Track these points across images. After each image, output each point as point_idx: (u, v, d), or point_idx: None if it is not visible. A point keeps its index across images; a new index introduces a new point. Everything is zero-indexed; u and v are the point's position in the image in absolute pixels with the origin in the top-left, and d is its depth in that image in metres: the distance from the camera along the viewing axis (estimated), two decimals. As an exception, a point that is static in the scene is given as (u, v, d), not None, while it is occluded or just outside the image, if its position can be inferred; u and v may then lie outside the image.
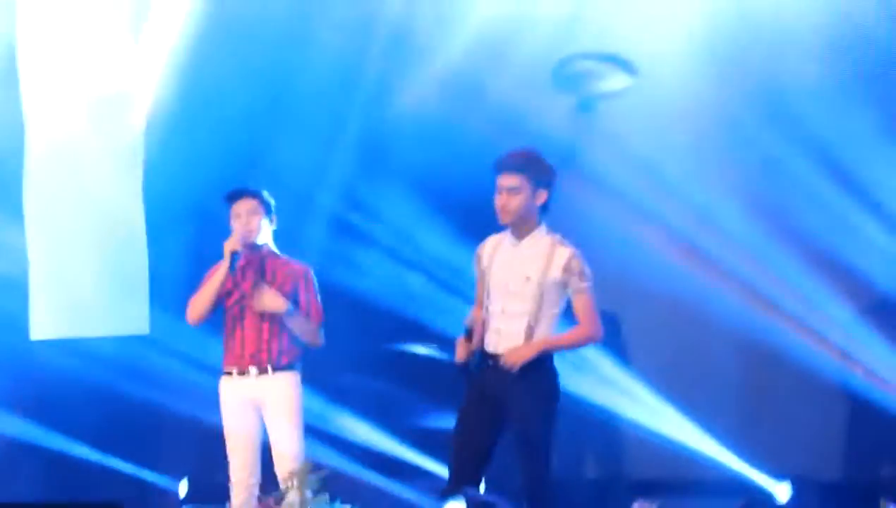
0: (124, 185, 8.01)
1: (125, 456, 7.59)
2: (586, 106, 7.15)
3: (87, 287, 8.02)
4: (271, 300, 6.36)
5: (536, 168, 5.92)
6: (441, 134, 7.28)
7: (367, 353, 7.31)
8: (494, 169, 5.96)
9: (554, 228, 6.01)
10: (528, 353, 5.84)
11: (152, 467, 7.58)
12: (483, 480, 5.90)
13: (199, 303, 6.40)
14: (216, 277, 6.38)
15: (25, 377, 7.84)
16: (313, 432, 6.67)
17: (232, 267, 6.34)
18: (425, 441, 6.95)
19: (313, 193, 7.47)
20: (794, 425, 6.61)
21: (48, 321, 8.07)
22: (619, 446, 6.88)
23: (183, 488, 7.46)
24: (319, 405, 7.04)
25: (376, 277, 7.26)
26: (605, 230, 6.88)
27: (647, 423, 6.69)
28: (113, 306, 7.96)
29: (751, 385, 6.70)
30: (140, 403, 7.70)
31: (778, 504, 6.29)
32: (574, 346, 6.01)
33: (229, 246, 6.37)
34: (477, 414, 5.92)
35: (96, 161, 8.07)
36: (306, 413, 6.46)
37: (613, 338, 6.86)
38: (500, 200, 5.93)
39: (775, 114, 6.76)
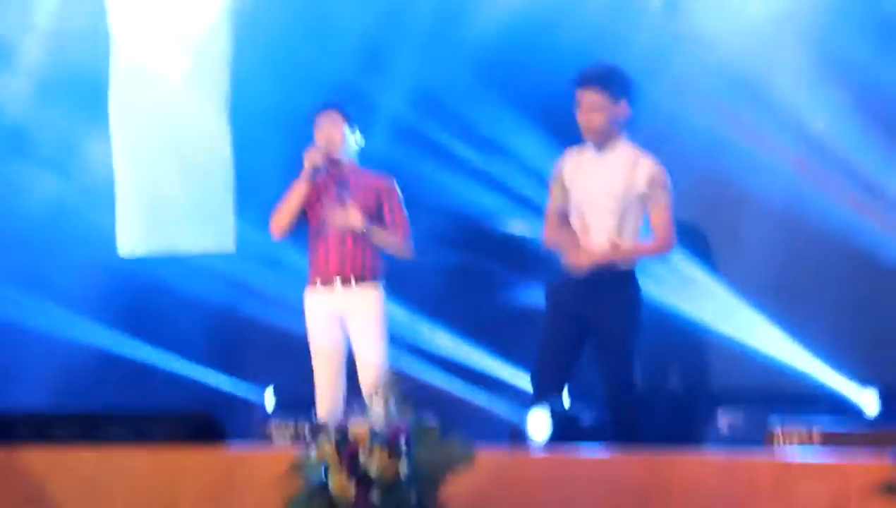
0: (210, 100, 8.03)
1: (212, 367, 7.68)
2: (671, 5, 6.99)
3: (173, 203, 8.08)
4: (348, 217, 6.35)
5: (617, 82, 5.89)
6: (526, 39, 7.16)
7: (453, 264, 7.29)
8: (574, 83, 5.92)
9: (642, 134, 5.93)
10: (599, 259, 5.83)
11: (239, 378, 7.66)
12: (566, 392, 5.92)
13: (282, 216, 6.43)
14: (298, 188, 6.39)
15: (114, 291, 7.94)
16: (398, 343, 6.71)
17: (312, 177, 6.35)
18: (510, 353, 6.94)
19: (400, 107, 7.40)
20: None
21: (135, 237, 8.15)
22: (704, 356, 6.84)
23: (269, 397, 7.53)
24: (405, 315, 7.05)
25: (460, 190, 7.21)
26: (694, 135, 6.74)
27: (736, 334, 6.62)
28: (199, 223, 8.02)
29: (850, 296, 6.54)
30: (226, 316, 7.78)
31: (866, 416, 6.23)
32: (647, 256, 5.98)
33: (310, 156, 6.37)
34: (560, 327, 5.95)
35: (182, 75, 8.09)
36: (392, 323, 6.50)
37: (703, 246, 6.75)
38: (582, 117, 5.92)
39: (875, 15, 6.56)
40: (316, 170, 6.38)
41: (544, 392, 5.83)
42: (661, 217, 5.89)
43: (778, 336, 6.55)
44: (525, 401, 5.80)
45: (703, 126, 6.72)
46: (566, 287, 5.95)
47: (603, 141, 5.94)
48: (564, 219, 6.05)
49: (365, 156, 6.60)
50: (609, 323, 5.88)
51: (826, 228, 6.50)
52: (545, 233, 6.10)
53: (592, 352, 5.98)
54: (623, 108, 5.91)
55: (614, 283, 5.89)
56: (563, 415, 5.52)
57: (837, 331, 6.46)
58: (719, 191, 6.79)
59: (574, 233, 5.98)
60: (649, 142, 6.05)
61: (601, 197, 5.93)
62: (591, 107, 5.88)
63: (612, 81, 5.89)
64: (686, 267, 6.64)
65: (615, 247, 5.87)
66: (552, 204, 6.11)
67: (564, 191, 6.06)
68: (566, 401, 5.84)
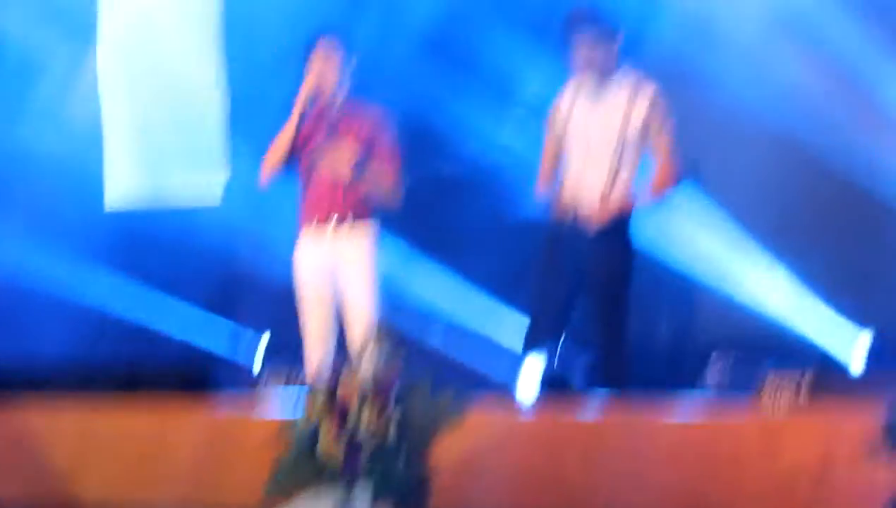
0: (200, 51, 7.95)
1: (206, 310, 7.68)
2: None
3: (161, 156, 8.04)
4: (336, 163, 6.24)
5: (609, 17, 5.86)
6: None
7: (453, 206, 7.26)
8: (568, 28, 5.87)
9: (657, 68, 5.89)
10: (610, 213, 5.81)
11: (232, 321, 7.67)
12: (561, 339, 5.92)
13: (273, 155, 6.26)
14: (287, 127, 6.24)
15: (103, 244, 7.91)
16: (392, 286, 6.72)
17: (303, 114, 6.20)
18: (507, 296, 6.93)
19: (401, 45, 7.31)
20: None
21: (122, 191, 8.11)
22: (698, 301, 6.83)
23: (264, 342, 7.54)
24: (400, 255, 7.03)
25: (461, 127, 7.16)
26: (692, 64, 6.67)
27: (731, 276, 6.61)
28: (188, 176, 7.97)
29: (855, 235, 6.50)
30: (219, 266, 7.75)
31: (850, 374, 6.21)
32: (657, 195, 5.92)
33: (303, 91, 6.19)
34: (556, 274, 5.93)
35: (172, 24, 8.00)
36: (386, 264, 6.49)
37: (698, 182, 6.71)
38: (582, 56, 5.87)
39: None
40: (306, 105, 6.22)
41: (540, 337, 5.84)
42: (665, 143, 5.84)
43: (774, 277, 6.53)
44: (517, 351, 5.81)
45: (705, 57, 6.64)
46: (561, 234, 5.93)
47: (603, 75, 5.89)
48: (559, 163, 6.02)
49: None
50: (602, 271, 5.87)
51: (826, 164, 6.43)
52: (541, 182, 6.06)
53: (586, 296, 5.98)
54: (619, 40, 5.88)
55: (609, 232, 5.86)
56: (555, 361, 5.52)
57: (834, 272, 6.43)
58: (714, 125, 6.74)
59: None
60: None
61: (600, 133, 5.88)
62: (592, 46, 5.84)
63: (604, 17, 5.86)
64: (681, 208, 6.60)
65: (627, 201, 5.84)
66: (548, 149, 6.05)
67: (559, 136, 6.01)
68: (558, 349, 5.85)
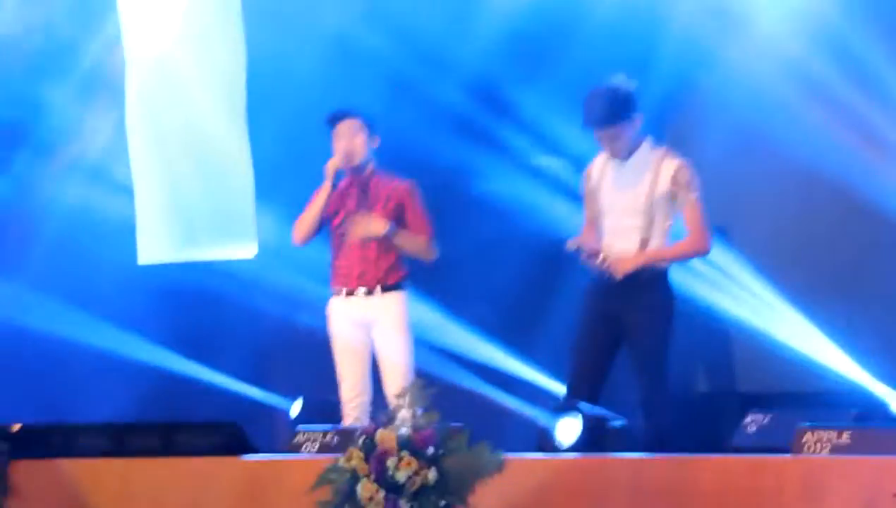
0: (227, 108, 8.03)
1: (237, 376, 7.67)
2: None
3: (193, 209, 8.09)
4: (370, 226, 6.34)
5: (624, 106, 5.96)
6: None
7: (490, 266, 7.27)
8: (587, 126, 6.00)
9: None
10: (635, 262, 5.91)
11: (264, 387, 7.66)
12: (599, 396, 5.95)
13: (304, 224, 6.45)
14: (319, 197, 6.41)
15: (136, 298, 7.94)
16: (429, 346, 6.71)
17: (334, 185, 6.37)
18: (544, 358, 6.91)
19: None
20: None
21: (155, 245, 8.16)
22: (732, 357, 6.82)
23: (296, 408, 7.53)
24: (436, 318, 7.03)
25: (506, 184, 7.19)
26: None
27: (765, 331, 6.59)
28: (219, 230, 8.02)
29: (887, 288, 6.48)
30: (251, 324, 7.78)
31: (894, 413, 6.20)
32: (682, 258, 6.08)
33: (331, 166, 6.39)
34: (594, 332, 6.03)
35: (198, 83, 8.09)
36: (423, 327, 6.49)
37: (734, 237, 6.71)
38: (606, 148, 6.03)
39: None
40: (338, 176, 6.39)
41: (577, 395, 5.89)
42: (691, 215, 5.95)
43: (810, 332, 6.51)
44: (553, 405, 5.79)
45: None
46: (601, 289, 6.02)
47: (628, 153, 6.05)
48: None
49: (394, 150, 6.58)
50: (642, 327, 5.95)
51: (868, 213, 6.42)
52: (580, 238, 6.10)
53: (626, 356, 6.01)
54: (638, 121, 6.02)
55: (647, 285, 5.95)
56: (593, 420, 5.52)
57: (875, 328, 6.41)
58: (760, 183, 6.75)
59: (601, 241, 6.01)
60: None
61: (628, 199, 6.00)
62: (612, 139, 6.00)
63: (620, 111, 5.97)
64: (719, 262, 6.61)
65: (652, 252, 5.94)
66: (587, 214, 6.19)
67: (594, 199, 6.12)
68: (596, 406, 5.85)
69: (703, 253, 6.06)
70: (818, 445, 4.73)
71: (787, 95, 6.55)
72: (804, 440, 4.76)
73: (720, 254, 6.52)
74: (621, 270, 5.93)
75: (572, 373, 6.07)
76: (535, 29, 7.15)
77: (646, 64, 6.70)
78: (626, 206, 5.99)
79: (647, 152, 6.03)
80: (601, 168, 6.12)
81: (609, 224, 6.05)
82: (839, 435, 4.72)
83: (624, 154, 6.02)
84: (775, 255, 6.68)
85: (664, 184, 5.95)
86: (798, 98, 6.52)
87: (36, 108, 8.17)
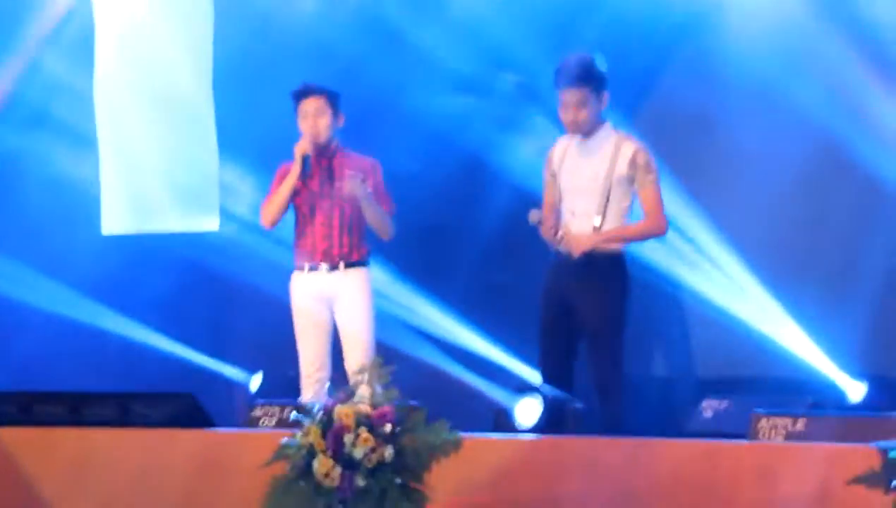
0: (195, 79, 7.99)
1: (197, 348, 7.66)
2: None
3: (156, 182, 8.06)
4: (352, 186, 6.31)
5: (597, 76, 6.01)
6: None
7: (456, 242, 7.27)
8: (555, 82, 6.04)
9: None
10: (592, 241, 5.94)
11: (224, 360, 7.65)
12: (571, 378, 6.01)
13: (272, 208, 6.42)
14: (288, 181, 6.36)
15: (99, 270, 7.90)
16: (392, 322, 6.70)
17: (304, 170, 6.33)
18: (506, 335, 6.92)
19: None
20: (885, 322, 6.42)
21: (119, 216, 8.12)
22: (690, 340, 6.85)
23: (255, 382, 7.52)
24: (400, 292, 7.03)
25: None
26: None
27: (726, 311, 6.63)
28: (183, 203, 7.99)
29: (852, 275, 6.50)
30: (211, 297, 7.76)
31: (850, 402, 6.25)
32: (638, 238, 6.12)
33: (300, 149, 6.35)
34: (555, 314, 6.06)
35: (166, 52, 8.04)
36: (386, 301, 6.49)
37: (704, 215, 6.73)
38: (568, 115, 6.04)
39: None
40: (306, 159, 6.36)
41: (550, 379, 5.95)
42: (648, 198, 6.00)
43: (774, 314, 6.54)
44: (514, 384, 5.81)
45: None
46: (558, 271, 6.05)
47: (588, 132, 6.06)
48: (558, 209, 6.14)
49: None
50: (597, 309, 5.97)
51: (843, 196, 6.45)
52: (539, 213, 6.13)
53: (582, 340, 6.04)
54: (604, 100, 6.06)
55: (602, 268, 5.98)
56: (553, 402, 5.53)
57: (834, 313, 6.44)
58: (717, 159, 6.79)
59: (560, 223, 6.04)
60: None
61: (585, 181, 6.03)
62: (577, 104, 6.00)
63: (592, 77, 6.02)
64: (679, 240, 6.65)
65: (609, 231, 5.97)
66: (546, 195, 6.20)
67: (555, 180, 6.15)
68: (561, 389, 5.89)
69: (659, 234, 6.13)
70: (773, 431, 4.77)
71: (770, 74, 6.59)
72: (759, 426, 4.80)
73: (686, 231, 6.56)
74: (578, 248, 5.96)
75: (542, 357, 6.10)
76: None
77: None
78: (585, 187, 6.03)
79: (607, 134, 6.07)
80: (562, 150, 6.15)
81: (567, 204, 6.07)
82: (794, 423, 4.76)
83: (585, 129, 6.03)
84: (745, 234, 6.71)
85: (622, 166, 5.99)
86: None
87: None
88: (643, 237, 6.12)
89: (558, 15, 7.07)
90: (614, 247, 6.01)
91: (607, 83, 6.03)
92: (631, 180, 6.00)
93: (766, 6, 6.73)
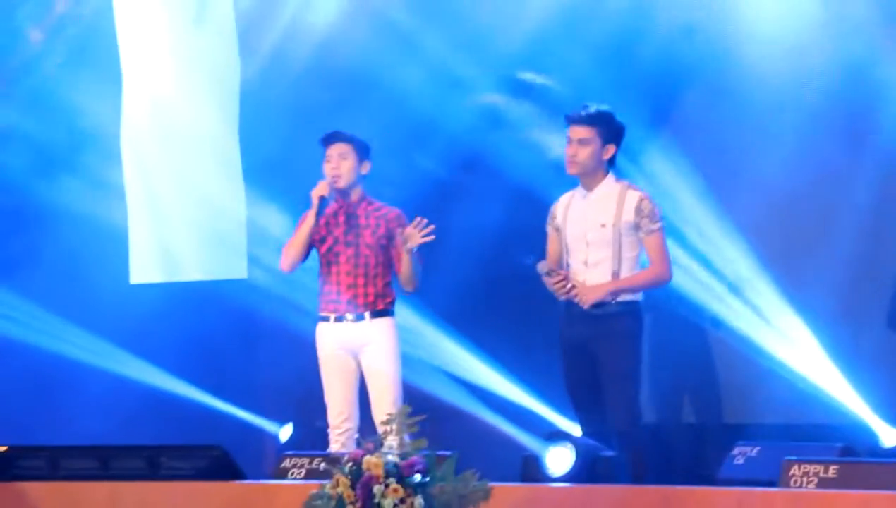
0: (222, 127, 8.03)
1: (225, 399, 7.65)
2: None
3: (185, 232, 8.08)
4: (414, 240, 6.30)
5: (607, 123, 6.09)
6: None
7: (484, 291, 7.26)
8: (566, 121, 6.12)
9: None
10: (602, 290, 5.99)
11: (253, 411, 7.64)
12: (603, 424, 6.03)
13: (291, 251, 6.45)
14: (306, 224, 6.41)
15: (127, 318, 7.91)
16: (420, 367, 6.68)
17: (319, 212, 6.36)
18: (533, 380, 6.90)
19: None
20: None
21: (147, 265, 8.15)
22: (720, 387, 6.82)
23: (285, 433, 7.51)
24: (430, 341, 7.02)
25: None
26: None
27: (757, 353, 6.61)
28: (211, 251, 8.02)
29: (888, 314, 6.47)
30: (241, 347, 7.76)
31: (883, 447, 6.20)
32: (645, 286, 6.14)
33: (316, 192, 6.38)
34: (573, 362, 6.10)
35: (193, 97, 8.08)
36: (416, 349, 6.47)
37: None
38: (569, 150, 6.09)
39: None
40: (323, 202, 6.38)
41: (587, 429, 6.01)
42: (654, 246, 6.07)
43: (804, 355, 6.50)
44: (544, 432, 5.78)
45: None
46: (571, 318, 6.10)
47: (588, 178, 6.13)
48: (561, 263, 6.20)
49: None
50: (612, 355, 6.02)
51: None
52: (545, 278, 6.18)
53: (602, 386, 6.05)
54: (609, 152, 6.12)
55: (616, 314, 6.03)
56: (584, 450, 5.51)
57: (877, 354, 6.39)
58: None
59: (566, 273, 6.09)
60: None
61: (593, 231, 6.09)
62: (579, 140, 6.08)
63: (602, 122, 6.10)
64: (710, 278, 6.64)
65: (617, 281, 6.02)
66: (550, 249, 6.26)
67: (559, 234, 6.20)
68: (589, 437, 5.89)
69: (664, 281, 6.17)
70: (805, 479, 4.74)
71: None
72: (791, 473, 4.77)
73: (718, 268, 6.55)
74: (589, 299, 6.00)
75: (574, 408, 6.15)
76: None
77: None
78: (594, 237, 6.08)
79: (610, 184, 6.13)
80: (566, 204, 6.22)
81: (578, 257, 6.12)
82: (826, 469, 4.73)
83: (583, 169, 6.08)
84: (779, 271, 6.68)
85: (628, 214, 6.06)
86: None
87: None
88: (650, 285, 6.16)
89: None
90: (628, 296, 6.06)
91: (618, 137, 6.10)
92: (637, 227, 6.06)
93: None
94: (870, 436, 6.29)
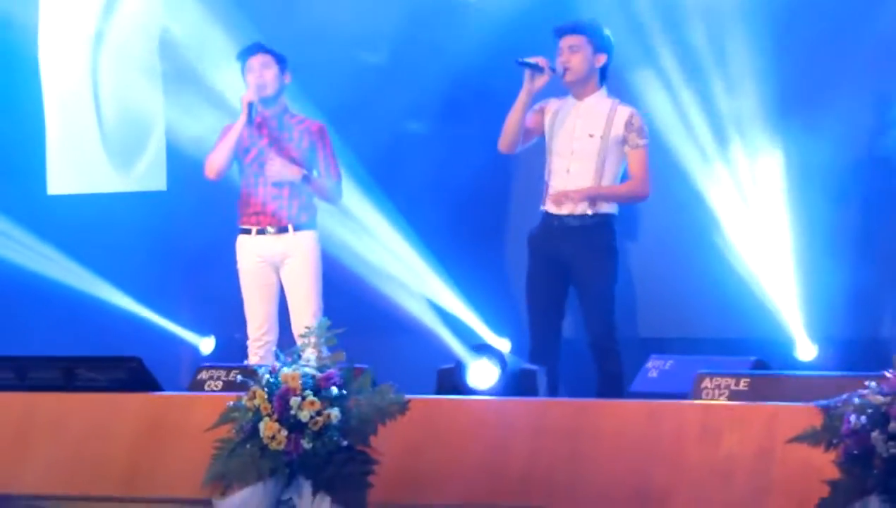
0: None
1: (146, 308, 7.61)
2: None
3: (102, 142, 8.00)
4: (285, 169, 6.32)
5: (596, 31, 6.16)
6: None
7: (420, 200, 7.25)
8: (555, 34, 6.17)
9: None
10: (580, 194, 6.04)
11: (174, 321, 7.61)
12: (559, 341, 6.16)
13: (218, 158, 6.41)
14: (234, 131, 6.37)
15: (46, 229, 7.83)
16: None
17: (250, 118, 6.32)
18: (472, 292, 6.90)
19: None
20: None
21: (64, 176, 8.07)
22: (636, 301, 6.89)
23: (207, 345, 7.50)
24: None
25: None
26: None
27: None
28: (130, 162, 7.94)
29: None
30: (159, 258, 7.72)
31: (799, 361, 6.30)
32: (623, 199, 6.22)
33: (246, 98, 6.34)
34: (544, 278, 6.18)
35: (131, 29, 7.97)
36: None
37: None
38: (562, 59, 6.14)
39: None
40: (251, 108, 6.34)
41: (539, 344, 6.11)
42: (637, 161, 6.13)
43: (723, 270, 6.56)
44: (471, 345, 5.79)
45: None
46: (546, 234, 6.18)
47: (580, 88, 6.17)
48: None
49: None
50: (591, 271, 6.10)
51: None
52: (503, 139, 6.22)
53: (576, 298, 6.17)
54: (600, 60, 6.17)
55: (594, 228, 6.10)
56: (510, 365, 5.53)
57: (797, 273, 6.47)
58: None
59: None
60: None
61: (582, 140, 6.13)
62: (571, 48, 6.13)
63: (590, 30, 6.16)
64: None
65: (596, 187, 6.09)
66: (518, 109, 6.16)
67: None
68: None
69: (642, 198, 6.24)
70: (717, 391, 4.81)
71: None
72: (703, 386, 4.84)
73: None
74: (569, 198, 6.02)
75: (531, 323, 6.20)
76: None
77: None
78: (580, 148, 6.13)
79: (601, 97, 6.19)
80: (554, 111, 6.24)
81: (561, 164, 6.15)
82: (737, 382, 4.81)
83: (576, 76, 6.12)
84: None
85: (618, 127, 6.11)
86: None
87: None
88: (628, 199, 6.24)
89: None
90: (606, 208, 6.12)
91: (607, 48, 6.15)
92: (624, 141, 6.11)
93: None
94: (788, 350, 6.38)
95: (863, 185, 6.54)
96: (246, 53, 6.44)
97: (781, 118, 6.49)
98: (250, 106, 6.34)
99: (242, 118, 6.35)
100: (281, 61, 6.44)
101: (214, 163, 6.42)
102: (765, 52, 6.49)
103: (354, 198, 6.73)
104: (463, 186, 7.11)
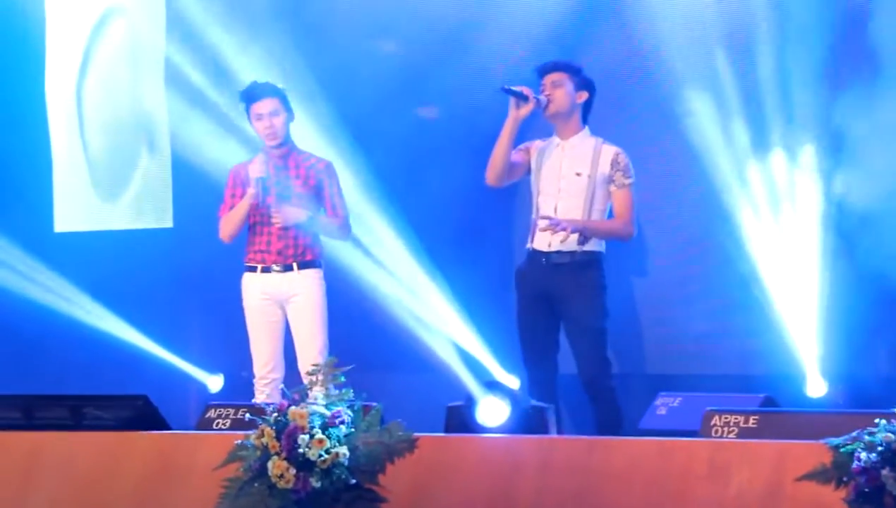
0: (148, 83, 7.95)
1: (156, 345, 7.60)
2: None
3: (110, 179, 8.02)
4: (290, 213, 6.31)
5: (576, 71, 6.23)
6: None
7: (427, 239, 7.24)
8: (537, 74, 6.23)
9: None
10: (571, 223, 6.06)
11: (183, 358, 7.60)
12: (554, 378, 6.18)
13: (231, 226, 6.41)
14: (245, 201, 6.32)
15: (54, 264, 7.82)
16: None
17: (262, 199, 6.28)
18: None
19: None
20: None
21: (71, 214, 8.08)
22: (644, 338, 6.88)
23: (215, 383, 7.49)
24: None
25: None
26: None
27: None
28: (137, 200, 7.96)
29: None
30: (168, 296, 7.71)
31: (808, 396, 6.27)
32: (608, 235, 6.24)
33: (255, 172, 6.33)
34: (535, 315, 6.20)
35: (119, 58, 8.00)
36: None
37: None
38: (545, 93, 6.20)
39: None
40: (262, 182, 6.32)
41: (535, 381, 6.14)
42: (622, 201, 6.17)
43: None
44: (481, 382, 5.77)
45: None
46: (535, 271, 6.19)
47: (564, 126, 6.23)
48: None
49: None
50: (582, 307, 6.13)
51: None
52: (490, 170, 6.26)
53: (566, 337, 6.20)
54: (582, 96, 6.24)
55: (582, 265, 6.13)
56: (520, 403, 5.51)
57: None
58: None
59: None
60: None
61: (568, 179, 6.17)
62: (554, 83, 6.19)
63: (571, 69, 6.25)
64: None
65: (583, 221, 6.12)
66: (504, 144, 6.19)
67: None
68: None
69: (626, 237, 6.26)
70: (726, 429, 4.80)
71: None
72: (712, 423, 4.83)
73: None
74: (563, 224, 6.04)
75: (525, 361, 6.24)
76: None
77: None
78: (566, 187, 6.17)
79: (585, 136, 6.24)
80: (540, 150, 6.28)
81: (549, 203, 6.18)
82: (746, 420, 4.80)
83: (559, 111, 6.18)
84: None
85: (604, 166, 6.16)
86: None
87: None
88: (613, 236, 6.25)
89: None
90: (593, 246, 6.16)
91: (589, 86, 6.23)
92: (610, 180, 6.15)
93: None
94: (798, 387, 6.35)
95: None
96: (252, 97, 6.41)
97: (797, 150, 6.45)
98: (260, 182, 6.30)
99: (251, 191, 6.32)
100: (285, 100, 6.42)
101: (227, 229, 6.42)
102: (800, 80, 6.47)
103: (364, 231, 6.74)
104: (475, 219, 7.11)
